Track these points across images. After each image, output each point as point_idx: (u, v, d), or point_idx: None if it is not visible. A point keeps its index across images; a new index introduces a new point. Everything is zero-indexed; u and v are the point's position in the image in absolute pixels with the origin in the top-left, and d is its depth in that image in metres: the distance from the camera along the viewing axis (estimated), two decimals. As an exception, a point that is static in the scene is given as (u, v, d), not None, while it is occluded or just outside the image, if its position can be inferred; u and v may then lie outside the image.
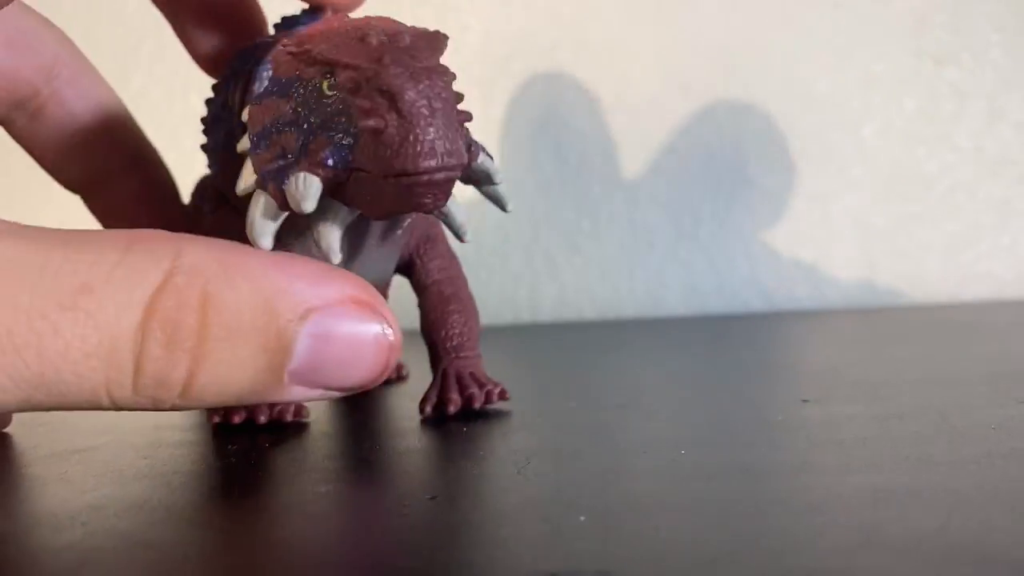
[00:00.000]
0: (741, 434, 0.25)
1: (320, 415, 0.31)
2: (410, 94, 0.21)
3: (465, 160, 0.22)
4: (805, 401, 0.30)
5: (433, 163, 0.21)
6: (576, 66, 0.67)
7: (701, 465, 0.22)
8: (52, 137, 0.31)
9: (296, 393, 0.20)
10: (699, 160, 0.68)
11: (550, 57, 0.67)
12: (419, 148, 0.21)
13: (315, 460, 0.25)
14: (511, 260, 0.67)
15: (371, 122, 0.21)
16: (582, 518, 0.18)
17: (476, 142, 0.25)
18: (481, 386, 0.30)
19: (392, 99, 0.21)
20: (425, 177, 0.21)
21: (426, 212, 0.23)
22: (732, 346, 0.47)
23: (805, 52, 0.68)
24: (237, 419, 0.29)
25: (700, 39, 0.68)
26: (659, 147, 0.68)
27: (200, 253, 0.19)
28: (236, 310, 0.19)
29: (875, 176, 0.68)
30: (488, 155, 0.25)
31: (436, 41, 0.23)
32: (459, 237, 0.26)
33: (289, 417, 0.30)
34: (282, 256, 0.20)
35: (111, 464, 0.25)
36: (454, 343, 0.30)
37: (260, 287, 0.19)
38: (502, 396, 0.30)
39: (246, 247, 0.20)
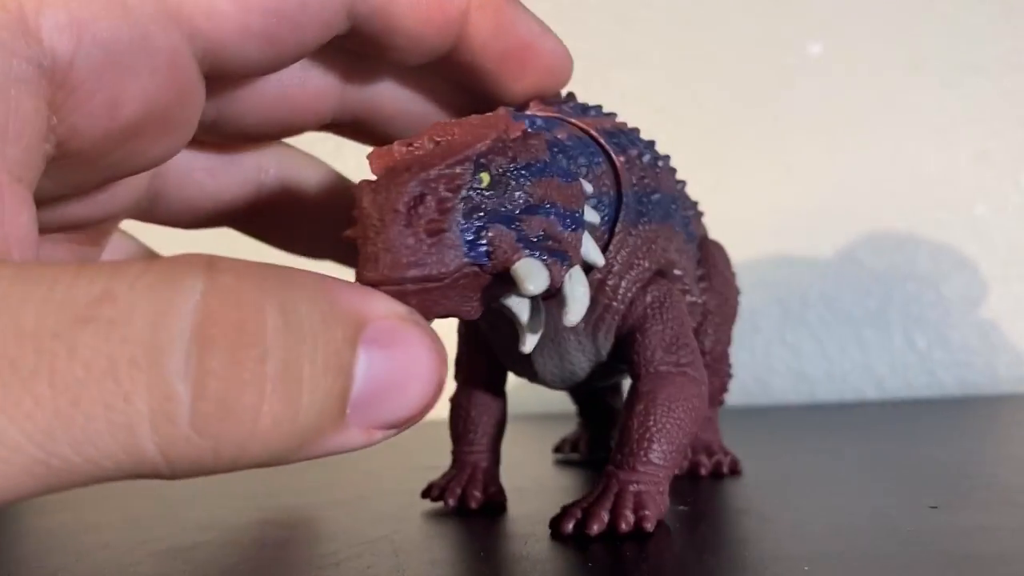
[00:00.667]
0: (869, 547, 0.24)
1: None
2: (364, 205, 0.21)
3: (431, 270, 0.21)
4: (933, 508, 0.28)
5: (373, 275, 0.20)
6: (673, 147, 0.67)
7: (828, 584, 0.21)
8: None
9: (353, 437, 0.17)
10: (804, 240, 0.66)
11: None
12: (363, 259, 0.21)
13: (419, 567, 0.24)
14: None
15: (348, 231, 0.22)
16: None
17: (531, 248, 0.22)
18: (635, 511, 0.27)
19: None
20: (383, 287, 0.20)
21: (437, 318, 0.22)
22: (847, 438, 0.45)
23: (912, 130, 0.66)
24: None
25: (804, 119, 0.67)
26: (762, 227, 0.66)
27: (236, 262, 0.16)
28: (298, 316, 0.16)
29: (990, 256, 0.65)
30: (547, 263, 0.23)
31: (456, 147, 0.22)
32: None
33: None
34: (309, 273, 0.17)
35: (216, 564, 0.25)
36: (622, 452, 0.28)
37: (311, 290, 0.16)
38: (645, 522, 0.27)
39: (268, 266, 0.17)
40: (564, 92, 0.31)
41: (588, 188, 0.26)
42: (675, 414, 0.28)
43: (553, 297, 0.24)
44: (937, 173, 0.66)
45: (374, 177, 0.22)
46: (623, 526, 0.26)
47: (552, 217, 0.23)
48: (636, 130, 0.32)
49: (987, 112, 0.65)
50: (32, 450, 0.13)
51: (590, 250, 0.26)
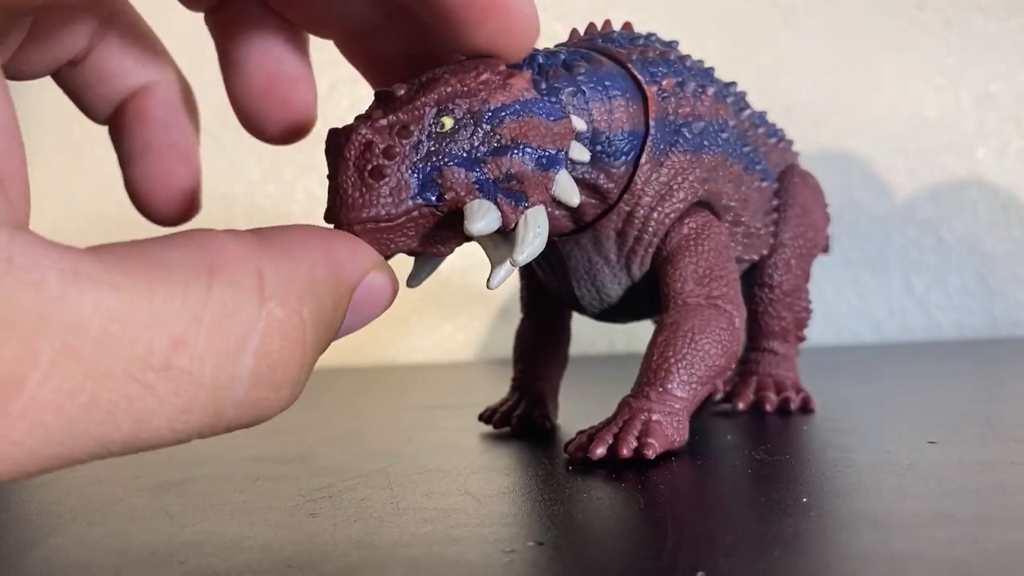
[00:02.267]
0: (867, 481, 0.24)
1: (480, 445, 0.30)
2: (325, 151, 0.23)
3: (377, 212, 0.22)
4: (932, 443, 0.27)
5: (329, 218, 0.23)
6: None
7: (826, 515, 0.20)
8: None
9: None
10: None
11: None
12: (328, 201, 0.23)
13: (414, 498, 0.24)
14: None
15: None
16: (699, 575, 0.17)
17: (485, 194, 0.23)
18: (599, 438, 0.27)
19: None
20: (340, 227, 0.22)
21: (405, 254, 0.24)
22: (844, 381, 0.45)
23: (915, 71, 0.65)
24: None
25: (804, 61, 0.66)
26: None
27: (284, 269, 0.18)
28: (325, 309, 0.19)
29: (990, 199, 0.65)
30: (500, 210, 0.23)
31: (431, 84, 0.24)
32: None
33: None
34: (315, 236, 0.20)
35: (209, 498, 0.25)
36: (640, 380, 0.28)
37: (329, 288, 0.19)
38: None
39: (311, 231, 0.20)
40: (618, 25, 0.32)
41: (580, 125, 0.26)
42: (698, 345, 0.28)
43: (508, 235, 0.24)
44: (939, 116, 0.65)
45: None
46: (624, 452, 0.26)
47: (521, 157, 0.24)
48: (687, 57, 0.31)
49: (991, 54, 0.64)
50: (102, 454, 0.16)
51: (564, 189, 0.25)
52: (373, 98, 0.24)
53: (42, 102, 0.62)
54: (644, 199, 0.29)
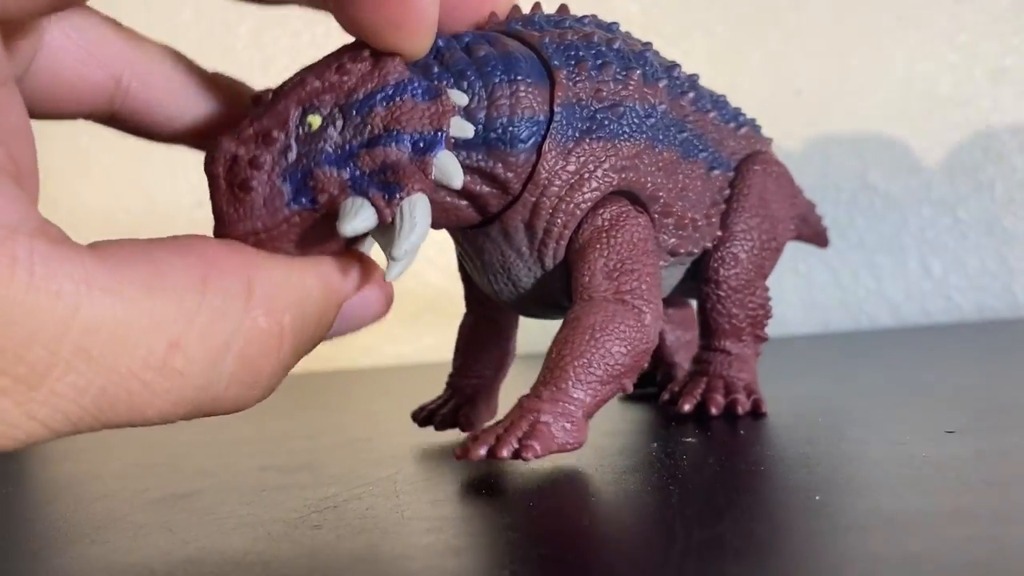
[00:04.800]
0: (882, 475, 0.23)
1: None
2: (204, 167, 0.23)
3: (250, 225, 0.22)
4: (950, 432, 0.27)
5: (215, 234, 0.22)
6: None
7: (839, 514, 0.20)
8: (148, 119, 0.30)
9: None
10: (815, 166, 0.64)
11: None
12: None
13: (420, 507, 0.24)
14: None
15: None
16: (708, 581, 0.16)
17: (359, 189, 0.22)
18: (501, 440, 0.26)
19: None
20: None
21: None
22: (861, 367, 0.44)
23: (927, 48, 0.64)
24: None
25: (812, 41, 0.65)
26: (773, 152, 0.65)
27: (272, 281, 0.20)
28: (308, 320, 0.20)
29: (1008, 177, 0.64)
30: (374, 205, 0.22)
31: (294, 83, 0.23)
32: None
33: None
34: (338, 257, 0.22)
35: (214, 512, 0.25)
36: (538, 378, 0.27)
37: (315, 305, 0.21)
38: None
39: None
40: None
41: (460, 99, 0.25)
42: (599, 342, 0.26)
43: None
44: (953, 93, 0.64)
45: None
46: (503, 452, 0.25)
47: (396, 145, 0.23)
48: (615, 39, 0.29)
49: (1005, 27, 0.63)
50: (95, 425, 0.18)
51: (444, 171, 0.23)
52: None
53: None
54: (551, 189, 0.27)
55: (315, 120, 0.23)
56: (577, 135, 0.27)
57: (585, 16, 0.30)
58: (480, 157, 0.26)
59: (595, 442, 0.29)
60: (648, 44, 0.31)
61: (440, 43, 0.26)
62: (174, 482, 0.29)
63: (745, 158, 0.35)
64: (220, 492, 0.27)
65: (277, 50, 0.67)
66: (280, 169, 0.22)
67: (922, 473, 0.23)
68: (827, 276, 0.64)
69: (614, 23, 0.30)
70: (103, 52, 0.28)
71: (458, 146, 0.25)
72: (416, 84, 0.24)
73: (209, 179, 0.23)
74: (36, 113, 0.28)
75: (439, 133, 0.23)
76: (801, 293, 0.64)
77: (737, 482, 0.24)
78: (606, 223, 0.28)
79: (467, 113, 0.25)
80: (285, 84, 0.23)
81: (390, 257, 0.23)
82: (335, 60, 0.23)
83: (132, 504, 0.27)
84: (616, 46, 0.29)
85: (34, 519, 0.26)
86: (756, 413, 0.32)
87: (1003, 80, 0.63)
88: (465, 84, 0.25)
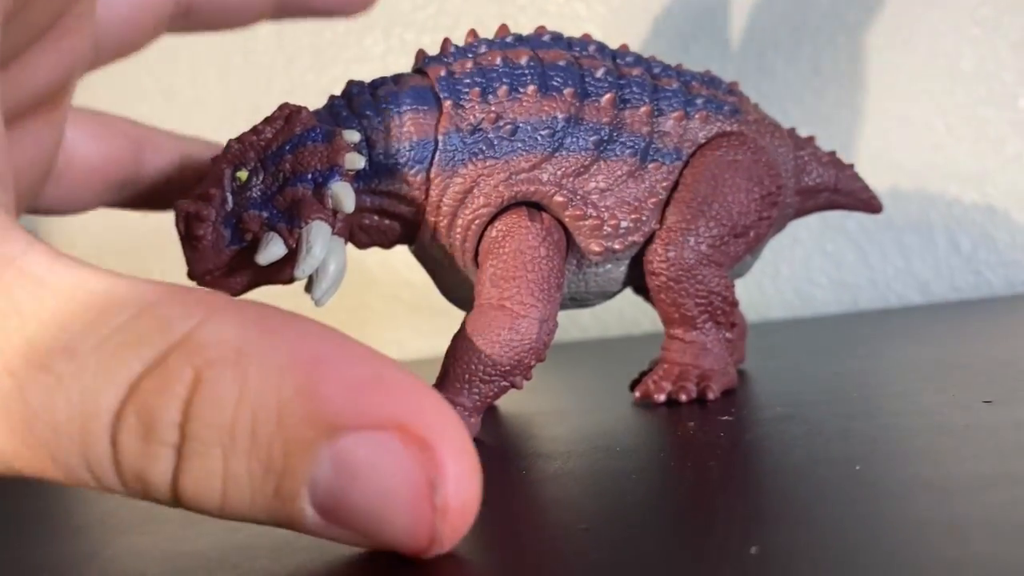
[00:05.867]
0: (921, 444, 0.23)
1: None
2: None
3: (206, 267, 0.29)
4: (988, 402, 0.27)
5: (188, 274, 0.29)
6: (704, 57, 0.65)
7: (880, 482, 0.20)
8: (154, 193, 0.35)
9: (324, 529, 0.16)
10: (840, 146, 0.64)
11: (677, 51, 0.65)
12: None
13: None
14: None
15: None
16: (752, 549, 0.17)
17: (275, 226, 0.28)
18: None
19: None
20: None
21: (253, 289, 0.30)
22: (893, 344, 0.44)
23: (949, 22, 0.63)
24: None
25: (832, 18, 0.64)
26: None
27: (223, 328, 0.15)
28: (231, 411, 0.15)
29: (1036, 150, 0.63)
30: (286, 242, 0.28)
31: (227, 146, 0.29)
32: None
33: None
34: (337, 342, 0.16)
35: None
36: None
37: (278, 385, 0.15)
38: None
39: (302, 323, 0.16)
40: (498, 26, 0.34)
41: (352, 137, 0.29)
42: (475, 346, 0.29)
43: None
44: (976, 67, 0.63)
45: None
46: None
47: (300, 185, 0.28)
48: (521, 54, 0.32)
49: (1027, -1, 0.63)
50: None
51: (336, 198, 0.28)
52: None
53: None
54: (443, 208, 0.31)
55: (242, 175, 0.28)
56: (465, 157, 0.31)
57: (506, 36, 0.33)
58: (378, 182, 0.30)
59: (631, 424, 0.29)
60: (584, 40, 0.34)
61: (353, 90, 0.31)
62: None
63: (706, 143, 0.34)
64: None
65: (297, 49, 0.67)
66: (221, 218, 0.28)
67: (961, 442, 0.23)
68: (855, 255, 0.64)
69: (546, 34, 0.33)
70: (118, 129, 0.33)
71: (359, 177, 0.30)
72: (317, 131, 0.29)
73: (177, 233, 0.28)
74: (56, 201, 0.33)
75: (334, 168, 0.28)
76: (829, 273, 0.64)
77: (775, 456, 0.24)
78: (500, 234, 0.31)
79: (368, 145, 0.30)
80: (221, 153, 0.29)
81: (299, 277, 0.28)
82: (263, 121, 0.29)
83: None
84: (522, 62, 0.31)
85: (85, 511, 0.27)
86: (701, 398, 0.32)
87: (1027, 52, 0.63)
88: (365, 122, 0.30)
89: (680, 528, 0.19)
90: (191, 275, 0.29)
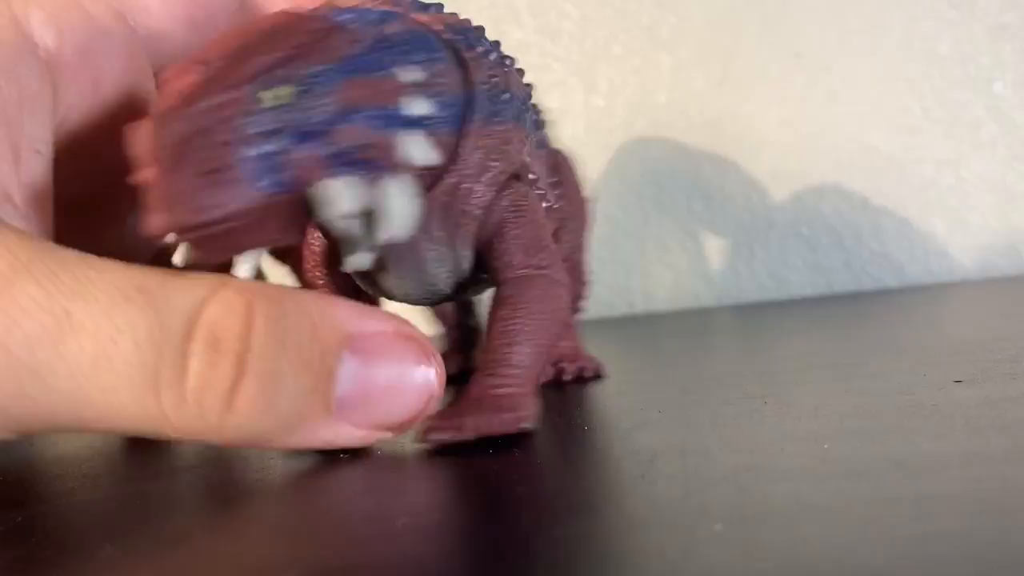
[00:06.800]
0: (890, 423, 0.23)
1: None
2: (139, 147, 0.21)
3: (215, 214, 0.20)
4: (958, 382, 0.27)
5: (154, 226, 0.21)
6: (679, 41, 0.65)
7: (849, 460, 0.20)
8: None
9: (344, 433, 0.21)
10: (815, 130, 0.64)
11: (650, 35, 0.65)
12: (146, 208, 0.21)
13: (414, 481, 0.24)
14: (621, 248, 0.65)
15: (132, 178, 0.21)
16: (717, 527, 0.16)
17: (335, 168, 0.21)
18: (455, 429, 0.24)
19: None
20: (178, 237, 0.21)
21: (263, 247, 0.22)
22: (867, 326, 0.44)
23: (924, 9, 0.63)
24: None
25: (810, 3, 0.64)
26: (774, 119, 0.64)
27: (247, 282, 0.21)
28: (281, 325, 0.20)
29: (1010, 135, 0.63)
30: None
31: (238, 63, 0.21)
32: None
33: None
34: (328, 295, 0.23)
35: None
36: (487, 357, 0.26)
37: (305, 309, 0.20)
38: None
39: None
40: None
41: (415, 76, 0.24)
42: (538, 316, 0.26)
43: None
44: (952, 51, 0.63)
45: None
46: (498, 427, 0.24)
47: (362, 123, 0.22)
48: (480, 28, 0.28)
49: (1004, -17, 0.63)
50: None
51: (414, 149, 0.23)
52: (160, 85, 0.22)
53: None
54: (469, 169, 0.26)
55: (276, 95, 0.21)
56: (487, 115, 0.26)
57: (439, 3, 0.28)
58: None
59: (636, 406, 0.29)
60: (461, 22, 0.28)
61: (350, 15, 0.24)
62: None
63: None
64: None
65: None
66: (250, 147, 0.21)
67: (931, 420, 0.23)
68: (830, 238, 0.64)
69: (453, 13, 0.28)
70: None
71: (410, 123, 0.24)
72: (366, 59, 0.22)
73: (150, 157, 0.21)
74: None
75: (394, 110, 0.23)
76: (804, 256, 0.64)
77: (740, 433, 0.24)
78: (514, 204, 0.27)
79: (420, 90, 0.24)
80: (233, 42, 0.21)
81: (357, 244, 0.23)
82: (289, 23, 0.22)
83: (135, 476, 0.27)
84: (483, 35, 0.28)
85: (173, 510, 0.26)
86: (597, 375, 0.35)
87: (1003, 37, 0.63)
88: (417, 59, 0.24)
89: (667, 513, 0.18)
90: (160, 230, 0.20)
